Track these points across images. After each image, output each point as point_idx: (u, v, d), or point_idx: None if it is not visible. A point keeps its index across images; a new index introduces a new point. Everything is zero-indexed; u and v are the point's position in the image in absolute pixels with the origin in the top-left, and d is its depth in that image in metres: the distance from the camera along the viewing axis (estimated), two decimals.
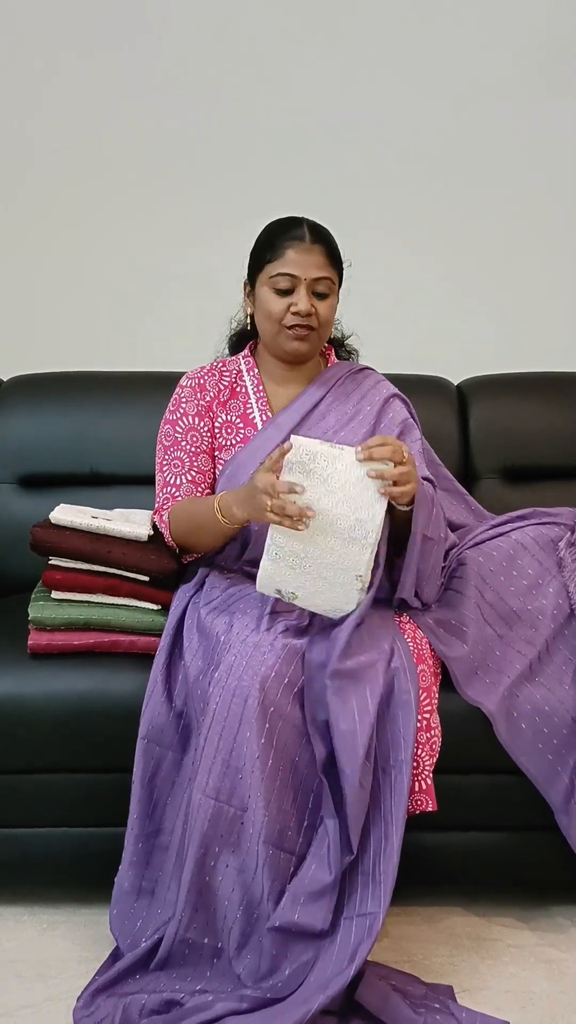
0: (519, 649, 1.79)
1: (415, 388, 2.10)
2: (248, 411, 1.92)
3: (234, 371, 1.96)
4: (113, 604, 1.83)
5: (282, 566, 1.62)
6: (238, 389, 1.94)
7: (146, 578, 1.84)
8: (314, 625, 1.72)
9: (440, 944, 1.75)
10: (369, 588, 1.66)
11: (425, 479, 1.83)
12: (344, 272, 1.90)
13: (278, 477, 1.58)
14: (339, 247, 1.88)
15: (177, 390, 1.95)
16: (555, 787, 1.70)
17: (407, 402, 1.98)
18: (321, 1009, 1.44)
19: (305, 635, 1.69)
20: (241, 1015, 1.47)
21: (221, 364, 1.98)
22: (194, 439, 1.90)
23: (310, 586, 1.64)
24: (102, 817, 1.78)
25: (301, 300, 1.81)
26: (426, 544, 1.74)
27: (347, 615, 1.66)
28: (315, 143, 2.64)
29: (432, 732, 1.67)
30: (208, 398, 1.92)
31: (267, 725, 1.54)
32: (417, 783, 1.63)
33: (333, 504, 1.58)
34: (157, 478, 1.91)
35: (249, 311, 1.92)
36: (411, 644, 1.72)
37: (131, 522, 1.89)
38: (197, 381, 1.94)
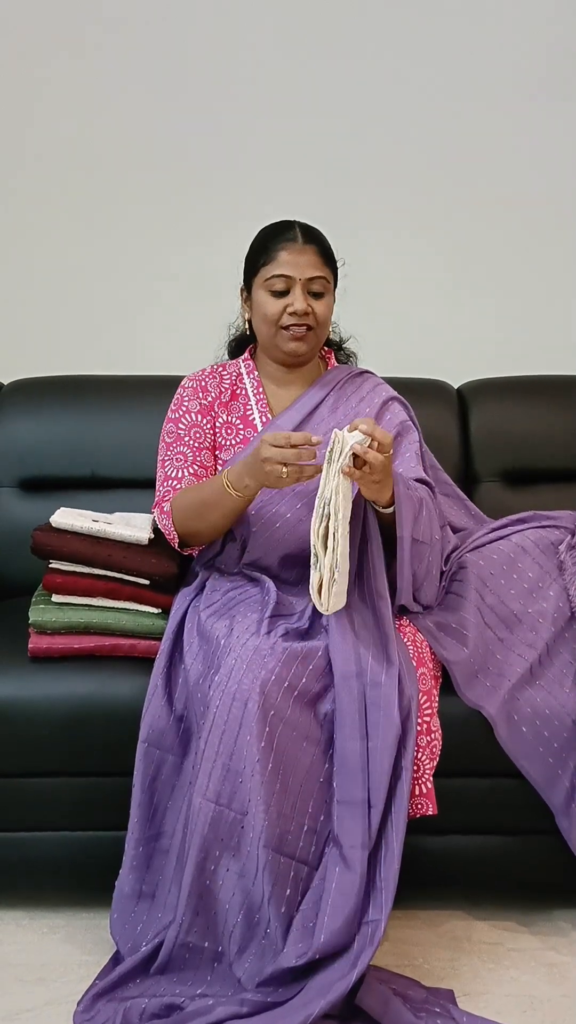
0: (519, 652, 1.79)
1: (415, 391, 2.11)
2: (248, 413, 1.92)
3: (234, 374, 1.97)
4: (113, 608, 1.83)
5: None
6: (238, 391, 1.95)
7: (147, 582, 1.84)
8: (315, 628, 1.72)
9: (441, 948, 1.75)
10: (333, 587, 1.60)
11: (422, 481, 1.84)
12: (340, 272, 1.91)
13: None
14: (333, 247, 1.89)
15: (179, 390, 1.96)
16: (556, 790, 1.70)
17: (406, 405, 1.99)
18: (322, 1014, 1.44)
19: (306, 638, 1.68)
20: (242, 1019, 1.47)
21: (221, 367, 1.99)
22: (197, 435, 1.90)
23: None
24: (102, 821, 1.78)
25: (297, 300, 1.81)
26: (417, 547, 1.74)
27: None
28: (315, 146, 2.64)
29: (432, 735, 1.66)
30: (210, 398, 1.93)
31: (267, 729, 1.54)
32: (417, 787, 1.63)
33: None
34: (158, 473, 1.91)
35: (247, 316, 1.93)
36: (410, 647, 1.72)
37: (132, 526, 1.89)
38: (199, 382, 1.95)
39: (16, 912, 1.84)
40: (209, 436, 1.91)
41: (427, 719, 1.66)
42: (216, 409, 1.93)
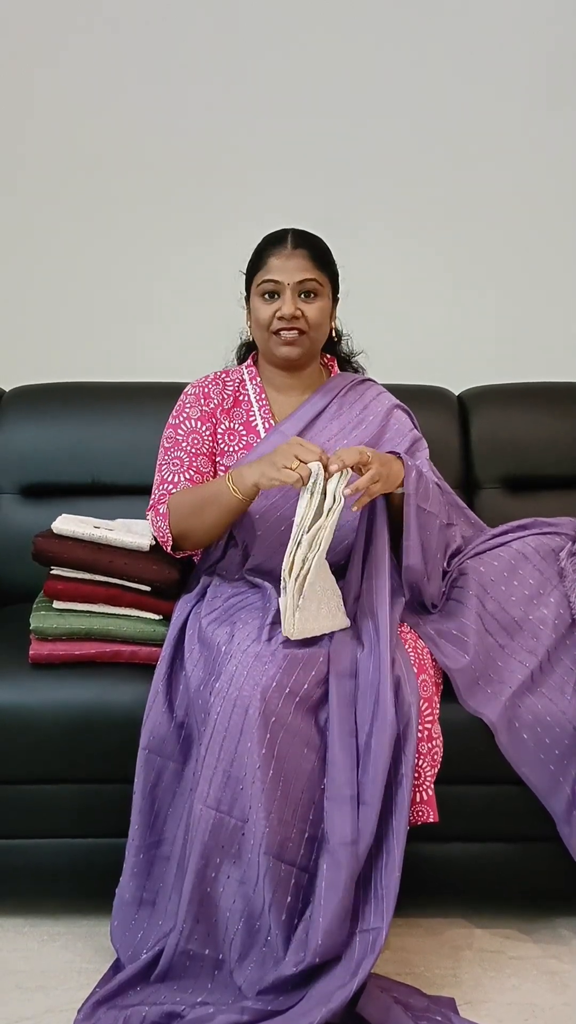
0: (520, 659, 1.78)
1: (416, 398, 2.11)
2: (251, 419, 1.93)
3: (237, 380, 1.97)
4: (115, 614, 1.83)
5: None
6: (241, 397, 1.95)
7: (148, 588, 1.84)
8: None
9: (442, 956, 1.74)
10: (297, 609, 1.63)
11: None
12: (340, 277, 1.91)
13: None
14: (333, 252, 1.89)
15: (182, 397, 1.97)
16: (557, 797, 1.70)
17: (410, 413, 2.00)
18: (323, 1022, 1.43)
19: (307, 645, 1.68)
20: None
21: (224, 374, 1.99)
22: (195, 441, 1.90)
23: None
24: (103, 828, 1.78)
25: (286, 304, 1.83)
26: (424, 516, 1.77)
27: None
28: (318, 152, 2.64)
29: (433, 742, 1.66)
30: (212, 405, 1.93)
31: (268, 735, 1.54)
32: (418, 794, 1.63)
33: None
34: (155, 478, 1.92)
35: (248, 325, 1.94)
36: (411, 653, 1.72)
37: (133, 532, 1.89)
38: (201, 389, 1.96)
39: (16, 919, 1.83)
40: (207, 443, 1.91)
41: (428, 726, 1.66)
42: (218, 415, 1.93)
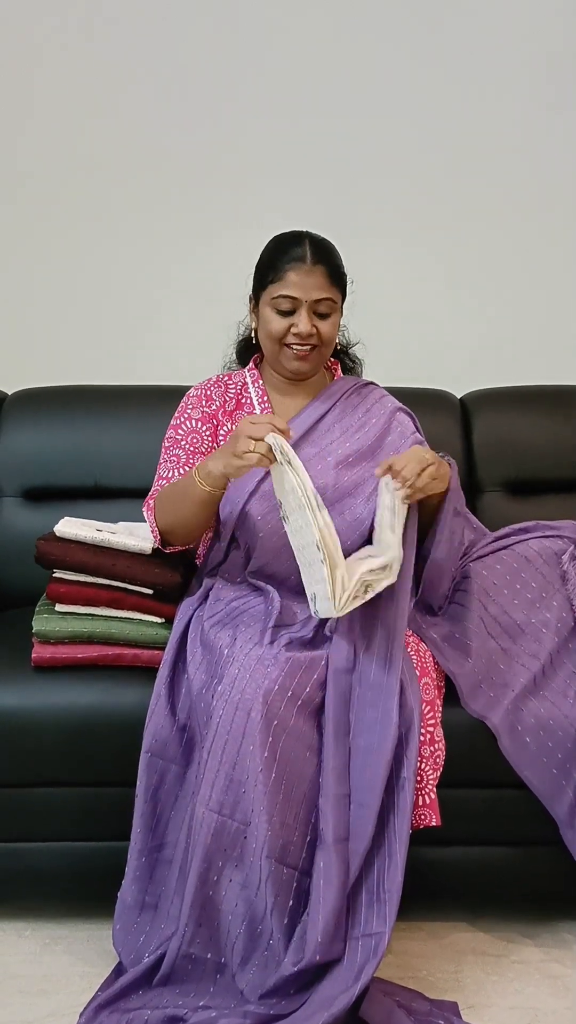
0: (523, 663, 1.78)
1: (418, 401, 2.11)
2: None
3: (239, 383, 1.97)
4: (117, 617, 1.83)
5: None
6: (243, 401, 1.95)
7: (150, 591, 1.84)
8: (318, 637, 1.72)
9: (445, 960, 1.74)
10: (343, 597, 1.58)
11: None
12: (348, 288, 1.91)
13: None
14: (343, 262, 1.88)
15: (184, 399, 1.97)
16: (560, 801, 1.69)
17: (412, 416, 2.00)
18: None
19: (309, 648, 1.68)
20: None
21: (227, 377, 1.99)
22: (194, 439, 1.91)
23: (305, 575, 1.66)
24: (105, 831, 1.78)
25: (302, 322, 1.82)
26: (457, 519, 1.83)
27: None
28: (319, 155, 2.64)
29: (436, 746, 1.66)
30: (214, 407, 1.93)
31: (270, 739, 1.54)
32: (421, 797, 1.63)
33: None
34: (154, 478, 1.92)
35: (253, 326, 1.94)
36: (414, 657, 1.72)
37: (135, 535, 1.89)
38: (204, 391, 1.96)
39: (18, 923, 1.83)
40: (207, 442, 1.91)
41: (430, 729, 1.66)
42: (220, 417, 1.93)
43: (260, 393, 1.95)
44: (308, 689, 1.61)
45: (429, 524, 1.82)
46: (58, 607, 1.83)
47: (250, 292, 1.93)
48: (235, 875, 1.53)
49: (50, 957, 1.74)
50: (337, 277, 1.86)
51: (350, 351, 2.05)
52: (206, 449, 1.91)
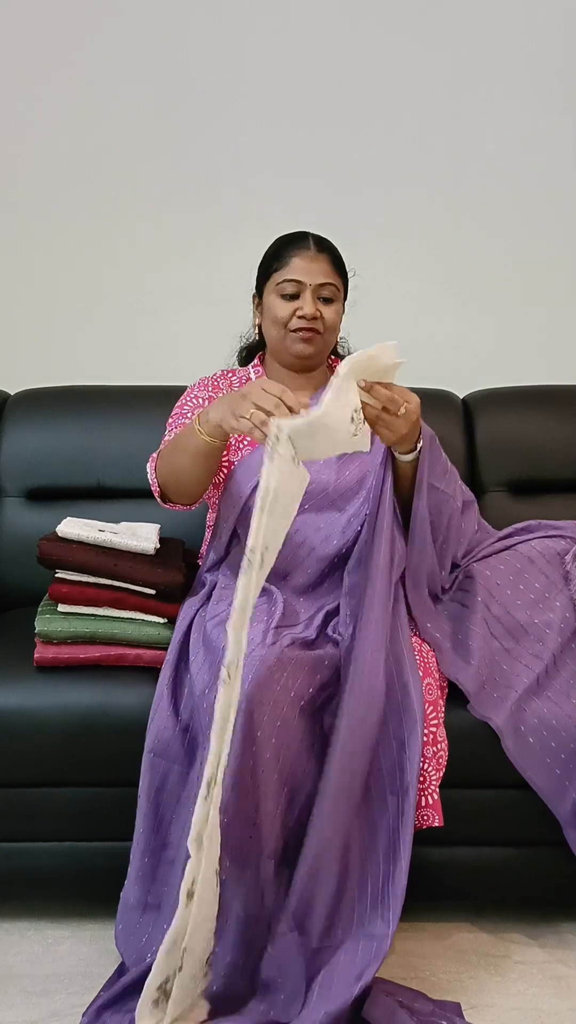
0: (526, 663, 1.78)
1: (421, 401, 2.10)
2: None
3: (244, 378, 1.99)
4: (119, 617, 1.83)
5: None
6: None
7: (152, 591, 1.84)
8: (321, 637, 1.72)
9: (447, 960, 1.74)
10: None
11: None
12: (350, 283, 1.94)
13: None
14: (344, 259, 1.92)
15: (188, 388, 1.99)
16: (563, 801, 1.69)
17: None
18: None
19: (312, 648, 1.68)
20: None
21: (231, 372, 2.02)
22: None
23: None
24: (108, 831, 1.78)
25: (307, 304, 1.85)
26: (435, 494, 1.78)
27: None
28: (320, 159, 2.65)
29: (439, 746, 1.66)
30: (219, 394, 1.94)
31: (273, 739, 1.54)
32: (424, 798, 1.63)
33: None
34: (160, 443, 1.92)
35: (257, 322, 1.96)
36: (417, 658, 1.72)
37: (138, 536, 1.89)
38: (210, 381, 1.99)
39: (21, 923, 1.83)
40: None
41: (433, 729, 1.66)
42: None
43: None
44: (311, 690, 1.61)
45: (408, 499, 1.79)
46: (60, 607, 1.84)
47: (254, 291, 1.95)
48: (238, 876, 1.53)
49: (52, 957, 1.74)
50: (339, 267, 1.90)
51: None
52: None
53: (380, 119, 2.64)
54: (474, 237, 2.69)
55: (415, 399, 1.69)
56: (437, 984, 1.67)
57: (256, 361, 2.02)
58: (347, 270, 1.93)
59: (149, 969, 1.55)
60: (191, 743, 1.68)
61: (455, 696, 1.73)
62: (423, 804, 1.62)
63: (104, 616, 1.83)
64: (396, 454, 1.77)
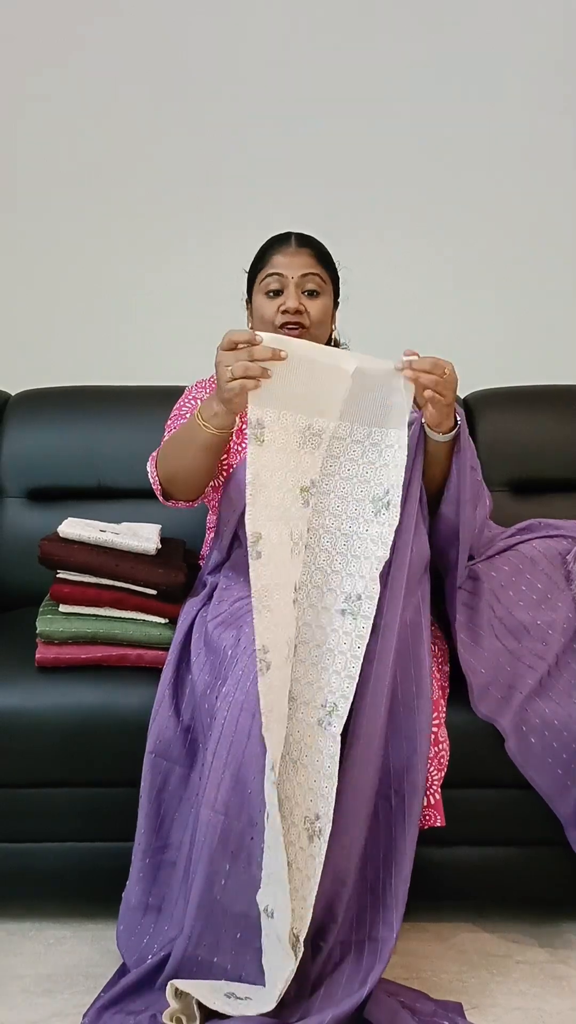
0: (529, 663, 1.78)
1: None
2: None
3: None
4: (121, 618, 1.83)
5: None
6: None
7: (154, 591, 1.84)
8: None
9: (449, 960, 1.74)
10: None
11: None
12: (344, 281, 1.93)
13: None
14: (335, 256, 1.91)
15: (186, 390, 1.99)
16: (565, 801, 1.69)
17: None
18: None
19: None
20: None
21: None
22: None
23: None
24: (109, 832, 1.78)
25: (290, 298, 1.84)
26: (474, 474, 1.74)
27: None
28: (320, 157, 2.65)
29: (440, 746, 1.66)
30: None
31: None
32: (425, 798, 1.62)
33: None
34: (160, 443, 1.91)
35: (250, 325, 1.96)
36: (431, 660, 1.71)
37: (139, 536, 1.89)
38: (207, 382, 1.98)
39: (22, 923, 1.83)
40: None
41: (435, 730, 1.66)
42: None
43: None
44: None
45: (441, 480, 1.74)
46: (62, 608, 1.83)
47: (244, 296, 1.96)
48: (241, 876, 1.53)
49: (54, 957, 1.74)
50: (325, 260, 1.90)
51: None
52: None
53: (380, 119, 2.64)
54: (475, 237, 2.69)
55: (451, 363, 1.63)
56: (439, 984, 1.67)
57: None
58: (336, 265, 1.91)
59: (150, 970, 1.56)
60: (192, 744, 1.67)
61: (456, 696, 1.73)
62: (425, 804, 1.62)
63: (105, 616, 1.83)
64: (436, 435, 1.69)
